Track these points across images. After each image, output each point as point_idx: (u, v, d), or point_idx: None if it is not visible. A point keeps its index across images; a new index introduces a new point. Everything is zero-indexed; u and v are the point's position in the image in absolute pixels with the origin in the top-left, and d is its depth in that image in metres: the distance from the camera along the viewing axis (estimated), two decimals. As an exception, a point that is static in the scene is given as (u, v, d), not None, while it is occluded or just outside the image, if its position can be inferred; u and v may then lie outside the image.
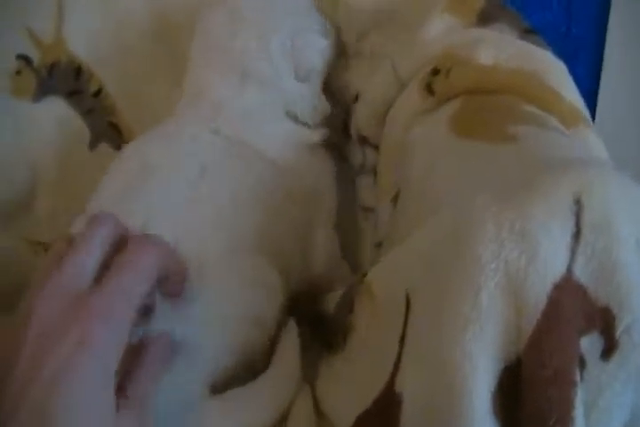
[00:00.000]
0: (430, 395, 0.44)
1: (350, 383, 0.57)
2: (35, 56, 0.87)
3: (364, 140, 0.78)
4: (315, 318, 0.72)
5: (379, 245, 0.76)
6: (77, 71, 0.88)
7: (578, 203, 0.41)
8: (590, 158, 0.47)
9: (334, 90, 0.81)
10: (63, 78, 0.88)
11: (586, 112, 0.62)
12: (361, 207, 0.82)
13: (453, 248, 0.43)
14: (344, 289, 0.67)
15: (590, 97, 1.20)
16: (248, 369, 0.62)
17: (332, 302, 0.69)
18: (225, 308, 0.61)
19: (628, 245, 0.41)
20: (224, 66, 0.72)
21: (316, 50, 0.73)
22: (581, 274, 0.41)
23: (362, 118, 0.77)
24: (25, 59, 0.86)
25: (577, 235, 0.41)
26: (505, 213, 0.41)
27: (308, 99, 0.74)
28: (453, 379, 0.42)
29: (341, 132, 0.82)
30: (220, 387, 0.60)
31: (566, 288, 0.41)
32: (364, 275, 0.60)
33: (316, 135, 0.75)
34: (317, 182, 0.76)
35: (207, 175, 0.66)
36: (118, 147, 0.88)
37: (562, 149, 0.48)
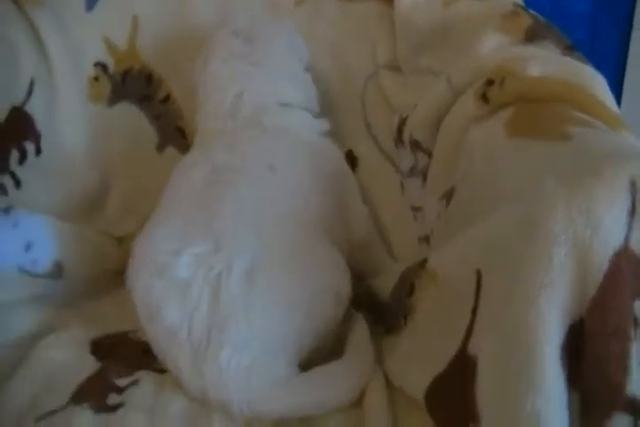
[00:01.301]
0: (506, 352, 0.53)
1: (419, 355, 0.67)
2: (110, 63, 1.00)
3: (416, 146, 0.89)
4: (371, 306, 0.83)
5: (425, 238, 0.88)
6: (148, 78, 1.01)
7: (634, 186, 0.51)
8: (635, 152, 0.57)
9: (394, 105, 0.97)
10: (135, 85, 1.00)
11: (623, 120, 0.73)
12: (411, 207, 0.94)
13: (527, 226, 0.53)
14: (398, 277, 0.77)
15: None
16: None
17: (384, 290, 0.81)
18: (308, 290, 0.72)
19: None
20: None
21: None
22: (636, 245, 0.51)
23: (416, 125, 0.88)
24: (102, 66, 0.99)
25: (632, 212, 0.51)
26: (573, 195, 0.51)
27: (312, 86, 0.94)
28: (529, 335, 0.51)
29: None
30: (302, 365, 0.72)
31: (624, 256, 0.51)
32: (423, 263, 0.71)
33: (325, 124, 0.93)
34: (339, 164, 0.92)
35: (276, 172, 0.80)
36: (184, 150, 0.99)
37: (614, 143, 0.59)
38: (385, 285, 0.81)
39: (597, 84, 0.74)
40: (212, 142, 0.86)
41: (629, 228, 0.52)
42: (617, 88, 1.33)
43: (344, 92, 1.05)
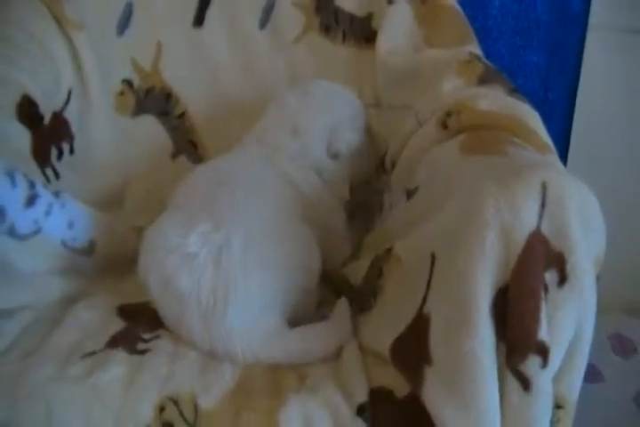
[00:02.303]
0: (451, 308, 0.75)
1: (386, 323, 0.88)
2: (135, 80, 1.23)
3: (393, 167, 1.13)
4: (346, 291, 1.04)
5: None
6: (167, 96, 1.24)
7: (544, 186, 0.73)
8: (553, 164, 0.79)
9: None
10: (156, 101, 1.24)
11: (552, 147, 0.96)
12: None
13: (467, 215, 0.75)
14: (368, 265, 0.99)
15: (562, 152, 1.57)
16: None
17: (357, 276, 1.02)
18: (288, 261, 0.95)
19: (574, 213, 0.74)
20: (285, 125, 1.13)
21: (345, 142, 1.12)
22: (545, 229, 0.73)
23: (395, 153, 1.12)
24: (128, 82, 1.22)
25: (543, 205, 0.73)
26: (502, 191, 0.73)
27: (331, 170, 1.13)
28: (469, 294, 0.73)
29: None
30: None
31: (536, 237, 0.73)
32: (389, 250, 0.92)
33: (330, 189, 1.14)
34: (325, 209, 1.12)
35: (262, 185, 1.03)
36: (194, 160, 1.24)
37: (535, 158, 0.82)
38: (357, 272, 1.02)
39: (532, 118, 0.97)
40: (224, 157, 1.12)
41: (540, 216, 0.73)
42: (566, 131, 1.59)
43: None
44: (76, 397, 0.79)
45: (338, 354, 0.91)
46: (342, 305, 0.99)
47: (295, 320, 0.95)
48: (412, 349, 0.80)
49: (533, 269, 0.73)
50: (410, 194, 1.01)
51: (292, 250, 0.97)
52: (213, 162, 1.11)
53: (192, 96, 1.26)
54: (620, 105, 1.53)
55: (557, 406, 0.78)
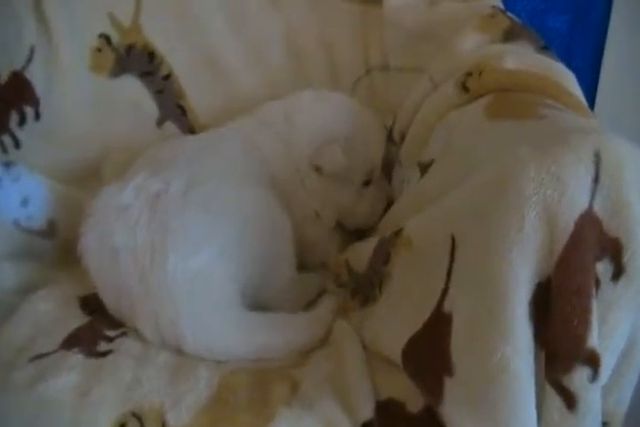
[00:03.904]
0: (479, 306, 0.57)
1: (395, 318, 0.70)
2: (114, 36, 1.01)
3: (403, 140, 0.93)
4: (349, 281, 0.86)
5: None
6: (151, 55, 1.03)
7: (597, 156, 0.55)
8: (603, 129, 0.61)
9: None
10: (138, 59, 1.02)
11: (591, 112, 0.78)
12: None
13: (500, 189, 0.57)
14: (372, 249, 0.81)
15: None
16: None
17: (361, 262, 0.83)
18: (241, 211, 0.78)
19: (634, 189, 0.56)
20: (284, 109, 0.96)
21: (329, 159, 0.91)
22: (599, 209, 0.55)
23: (404, 122, 0.92)
24: (106, 38, 1.01)
25: (596, 179, 0.55)
26: (544, 160, 0.55)
27: (315, 185, 0.93)
28: (501, 289, 0.55)
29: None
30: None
31: (588, 219, 0.55)
32: (398, 232, 0.74)
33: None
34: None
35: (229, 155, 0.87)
36: (182, 127, 1.03)
37: (582, 122, 0.63)
38: (360, 258, 0.83)
39: (567, 78, 0.79)
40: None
41: (593, 194, 0.55)
42: (589, 103, 1.39)
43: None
44: (19, 410, 0.62)
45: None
46: (328, 299, 0.83)
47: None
48: (430, 354, 0.62)
49: (583, 260, 0.55)
50: (424, 168, 0.82)
51: (248, 203, 0.80)
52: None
53: (178, 56, 1.05)
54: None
55: (603, 423, 0.60)
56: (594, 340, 0.55)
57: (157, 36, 1.03)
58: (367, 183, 0.94)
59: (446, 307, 0.61)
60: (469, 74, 0.80)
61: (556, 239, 0.55)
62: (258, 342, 0.74)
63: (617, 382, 0.60)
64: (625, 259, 0.56)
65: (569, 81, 0.78)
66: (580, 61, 1.34)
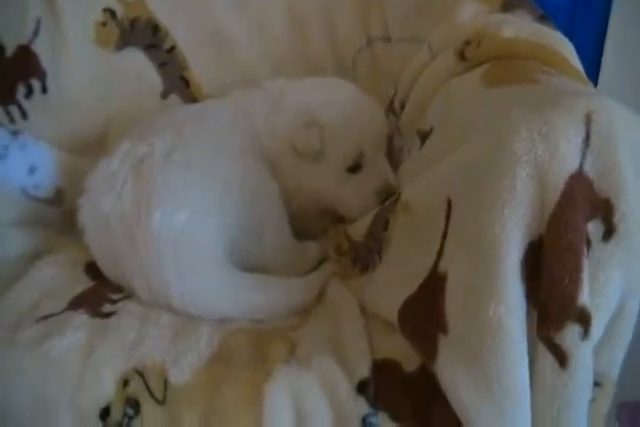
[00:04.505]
0: (471, 265, 0.56)
1: (394, 282, 0.69)
2: (119, 10, 1.01)
3: (403, 108, 0.92)
4: (349, 250, 0.85)
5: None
6: (155, 29, 1.02)
7: (588, 117, 0.55)
8: (598, 92, 0.61)
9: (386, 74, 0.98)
10: (142, 33, 1.02)
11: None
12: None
13: (493, 150, 0.56)
14: (371, 217, 0.80)
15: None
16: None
17: (359, 232, 0.83)
18: (222, 170, 0.78)
19: (626, 152, 0.55)
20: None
21: (303, 141, 0.87)
22: (589, 169, 0.55)
23: (404, 91, 0.91)
24: (111, 12, 1.00)
25: (587, 140, 0.54)
26: (535, 121, 0.54)
27: (289, 161, 0.89)
28: (493, 248, 0.54)
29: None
30: None
31: (578, 179, 0.54)
32: (397, 198, 0.73)
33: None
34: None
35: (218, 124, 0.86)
36: (186, 99, 1.03)
37: (576, 86, 0.63)
38: (360, 226, 0.83)
39: (565, 46, 0.77)
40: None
41: (584, 154, 0.55)
42: (592, 82, 1.35)
43: (335, 64, 1.07)
44: (24, 367, 0.63)
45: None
46: (325, 265, 0.83)
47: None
48: (425, 314, 0.61)
49: (574, 219, 0.54)
50: (424, 137, 0.81)
51: (231, 164, 0.79)
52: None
53: (182, 30, 1.04)
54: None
55: (595, 384, 0.59)
56: (585, 298, 0.55)
57: (161, 9, 1.02)
58: (353, 170, 0.89)
59: (441, 267, 0.61)
60: (468, 43, 0.79)
61: (547, 198, 0.54)
62: (245, 300, 0.74)
63: (608, 343, 0.59)
64: (615, 219, 0.55)
65: (567, 49, 0.77)
66: (583, 38, 1.31)
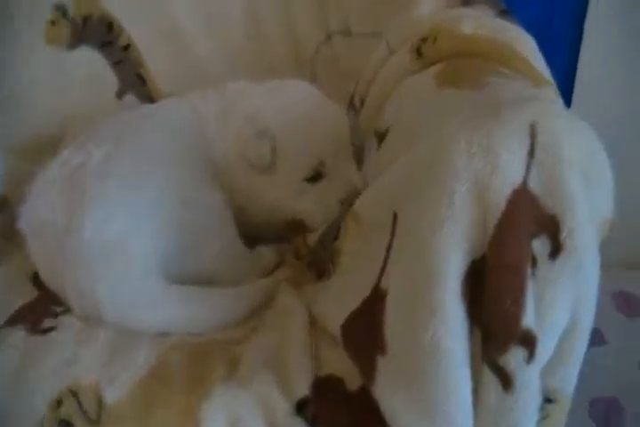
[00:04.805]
0: (412, 281, 0.52)
1: (342, 293, 0.65)
2: (70, 7, 0.95)
3: (362, 104, 0.87)
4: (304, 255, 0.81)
5: None
6: (109, 26, 0.97)
7: (533, 128, 0.50)
8: (548, 98, 0.56)
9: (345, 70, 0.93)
10: (96, 30, 0.96)
11: (551, 79, 0.72)
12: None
13: (432, 163, 0.52)
14: (325, 225, 0.77)
15: (567, 88, 1.30)
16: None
17: (314, 237, 0.79)
18: (156, 179, 0.73)
19: (573, 165, 0.51)
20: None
21: (255, 152, 0.81)
22: (534, 185, 0.50)
23: (363, 88, 0.86)
24: (61, 9, 0.94)
25: (531, 153, 0.50)
26: (475, 133, 0.50)
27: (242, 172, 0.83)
28: (432, 265, 0.51)
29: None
30: None
31: (522, 195, 0.50)
32: (350, 206, 0.69)
33: None
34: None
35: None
36: (143, 98, 0.98)
37: (522, 91, 0.58)
38: (317, 232, 0.79)
39: (526, 43, 0.72)
40: None
41: (528, 168, 0.51)
42: (572, 62, 1.30)
43: (294, 60, 1.02)
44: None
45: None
46: (275, 273, 0.79)
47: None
48: (365, 332, 0.57)
49: (517, 237, 0.50)
50: (380, 138, 0.76)
51: (166, 174, 0.74)
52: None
53: (137, 26, 0.99)
54: (635, 31, 1.20)
55: (548, 400, 0.56)
56: (529, 320, 0.51)
57: (115, 5, 0.97)
58: (314, 180, 0.82)
59: (383, 283, 0.57)
60: (424, 39, 0.74)
61: (488, 215, 0.50)
62: (179, 314, 0.70)
63: (561, 361, 0.55)
64: (562, 236, 0.51)
65: (527, 46, 0.72)
66: (562, 17, 1.25)
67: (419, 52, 0.74)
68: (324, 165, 0.82)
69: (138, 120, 0.81)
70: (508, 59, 0.68)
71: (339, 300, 0.66)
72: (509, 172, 0.50)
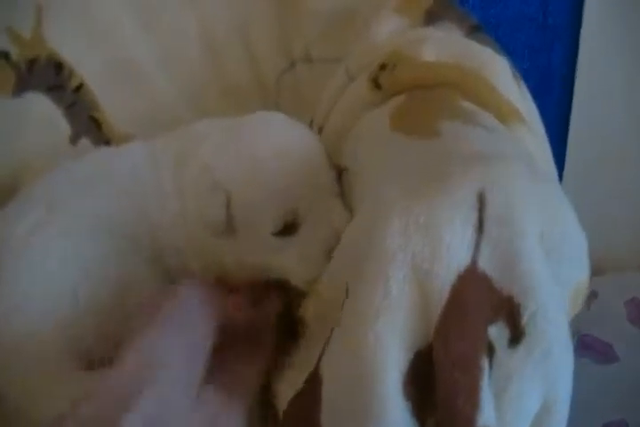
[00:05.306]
0: (345, 377, 0.44)
1: (295, 370, 0.57)
2: (13, 52, 0.86)
3: (320, 133, 0.75)
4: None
5: None
6: (58, 67, 0.87)
7: (481, 197, 0.41)
8: (501, 153, 0.46)
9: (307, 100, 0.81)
10: (43, 74, 0.87)
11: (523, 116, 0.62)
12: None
13: (367, 241, 0.44)
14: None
15: (566, 84, 1.20)
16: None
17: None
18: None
19: (531, 237, 0.41)
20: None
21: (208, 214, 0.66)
22: (486, 265, 0.41)
23: (319, 118, 0.75)
24: (4, 54, 0.85)
25: (480, 228, 0.41)
26: (411, 208, 0.41)
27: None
28: (366, 362, 0.42)
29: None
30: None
31: (471, 279, 0.41)
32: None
33: None
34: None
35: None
36: (98, 141, 0.87)
37: (480, 144, 0.48)
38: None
39: (496, 68, 0.61)
40: None
41: (477, 246, 0.41)
42: (570, 62, 1.20)
43: (257, 90, 0.91)
44: None
45: None
46: None
47: None
48: (301, 420, 0.49)
49: (467, 326, 0.41)
50: (339, 174, 0.65)
51: (89, 257, 0.64)
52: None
53: (87, 65, 0.88)
54: (636, 29, 1.09)
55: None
56: (486, 418, 0.42)
57: (63, 43, 0.87)
58: (288, 232, 0.64)
59: (321, 368, 0.48)
60: (383, 67, 0.63)
61: (431, 304, 0.41)
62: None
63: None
64: (523, 320, 0.42)
65: (497, 71, 0.61)
66: (559, 15, 1.13)
67: (376, 83, 0.63)
68: (297, 212, 0.64)
69: (72, 184, 0.70)
70: (473, 89, 0.58)
71: (290, 379, 0.56)
72: (453, 253, 0.41)
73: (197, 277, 0.62)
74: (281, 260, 0.64)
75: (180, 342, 0.51)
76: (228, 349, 0.54)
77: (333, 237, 0.60)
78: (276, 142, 0.66)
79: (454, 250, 0.41)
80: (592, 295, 1.08)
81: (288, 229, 0.64)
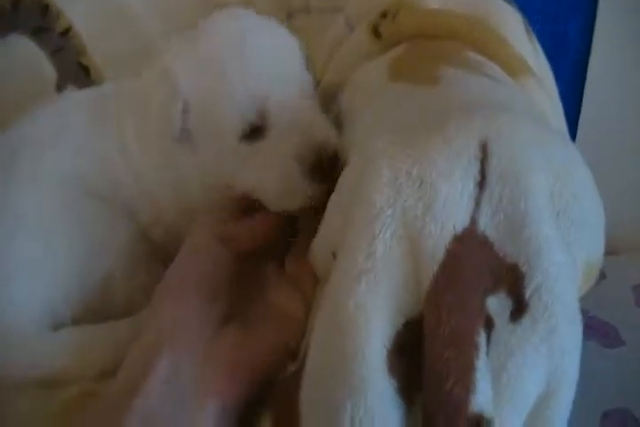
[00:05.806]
0: (324, 351, 0.38)
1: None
2: None
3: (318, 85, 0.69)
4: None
5: None
6: (44, 9, 0.79)
7: (483, 150, 0.34)
8: (508, 104, 0.39)
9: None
10: (28, 14, 0.79)
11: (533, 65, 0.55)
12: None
13: (354, 195, 0.38)
14: None
15: (582, 56, 1.13)
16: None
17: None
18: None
19: (540, 197, 0.35)
20: None
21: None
22: (487, 227, 0.35)
23: (317, 69, 0.68)
24: None
25: (482, 184, 0.34)
26: (402, 158, 0.34)
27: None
28: (346, 333, 0.35)
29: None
30: None
31: (469, 241, 0.34)
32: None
33: None
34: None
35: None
36: (84, 88, 0.80)
37: (483, 93, 0.41)
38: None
39: (507, 20, 0.54)
40: None
41: (477, 205, 0.35)
42: (588, 30, 1.12)
43: None
44: None
45: None
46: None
47: None
48: (283, 400, 0.43)
49: (462, 296, 0.35)
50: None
51: (54, 214, 0.59)
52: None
53: (77, 6, 0.81)
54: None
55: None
56: (480, 402, 0.35)
57: None
58: (253, 136, 0.55)
59: (307, 342, 0.42)
60: (384, 15, 0.56)
61: (422, 268, 0.35)
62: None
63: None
64: (528, 292, 0.36)
65: (507, 24, 0.54)
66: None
67: (376, 32, 0.56)
68: (265, 114, 0.55)
69: (41, 132, 0.65)
70: (480, 40, 0.50)
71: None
72: (450, 210, 0.34)
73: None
74: (246, 171, 0.56)
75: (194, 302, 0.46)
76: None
77: (305, 145, 0.53)
78: (242, 37, 0.58)
79: (451, 207, 0.34)
80: (600, 276, 1.03)
81: (255, 133, 0.55)
